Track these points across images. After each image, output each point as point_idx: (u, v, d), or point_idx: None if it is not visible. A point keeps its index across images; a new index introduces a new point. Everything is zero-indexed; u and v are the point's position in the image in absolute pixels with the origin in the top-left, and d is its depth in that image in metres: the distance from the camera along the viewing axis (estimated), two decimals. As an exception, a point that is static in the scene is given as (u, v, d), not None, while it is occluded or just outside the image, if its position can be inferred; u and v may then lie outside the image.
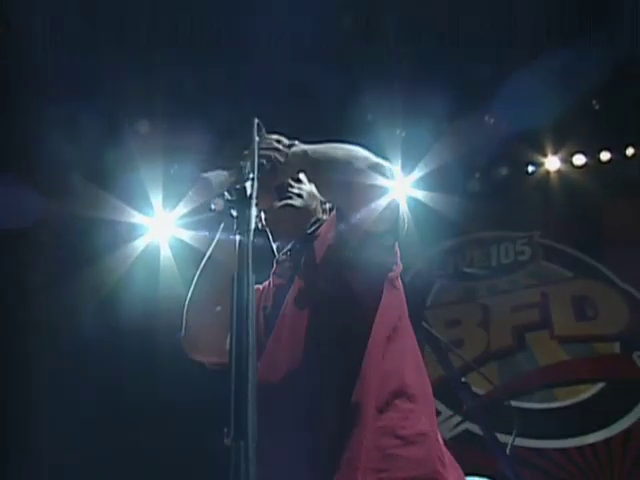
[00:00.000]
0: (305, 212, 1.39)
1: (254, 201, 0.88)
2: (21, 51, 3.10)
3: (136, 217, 4.52)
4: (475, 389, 4.26)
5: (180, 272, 4.74)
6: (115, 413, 3.89)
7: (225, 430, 0.73)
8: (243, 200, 0.89)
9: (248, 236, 0.85)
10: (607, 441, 3.72)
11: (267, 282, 1.43)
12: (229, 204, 0.90)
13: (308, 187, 1.41)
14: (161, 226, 4.73)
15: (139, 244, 4.70)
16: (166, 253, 4.88)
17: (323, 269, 1.22)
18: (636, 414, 3.77)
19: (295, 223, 1.37)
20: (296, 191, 1.37)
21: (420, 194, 4.75)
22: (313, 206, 1.41)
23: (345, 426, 1.06)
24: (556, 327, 4.29)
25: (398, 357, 1.19)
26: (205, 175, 0.87)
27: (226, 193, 0.90)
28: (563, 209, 4.64)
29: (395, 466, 1.03)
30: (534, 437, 3.86)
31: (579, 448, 3.76)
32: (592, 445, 3.74)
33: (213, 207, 0.88)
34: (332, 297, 1.16)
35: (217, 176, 0.88)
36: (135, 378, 4.08)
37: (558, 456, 3.80)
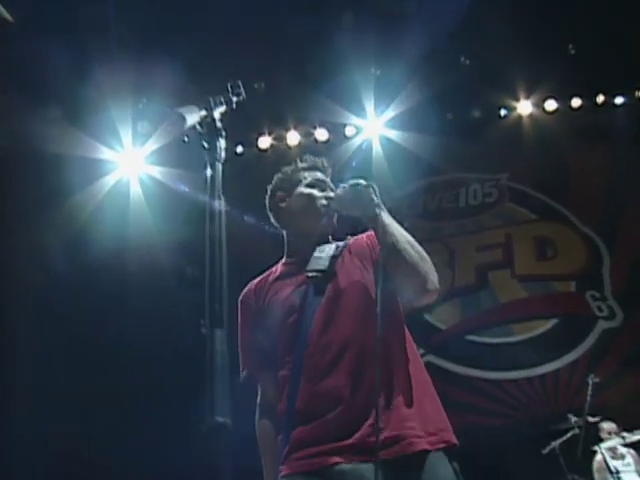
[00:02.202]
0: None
1: (223, 132, 0.93)
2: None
3: (105, 153, 4.45)
4: (437, 324, 4.46)
5: (150, 207, 4.73)
6: (85, 349, 3.93)
7: (201, 321, 0.79)
8: (213, 132, 0.94)
9: (217, 166, 0.91)
10: (555, 372, 3.99)
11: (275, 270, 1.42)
12: (200, 137, 0.94)
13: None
14: (131, 162, 4.67)
15: (109, 180, 4.64)
16: (136, 189, 4.85)
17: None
18: (584, 347, 4.03)
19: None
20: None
21: (393, 134, 4.77)
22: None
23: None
24: (517, 266, 4.48)
25: None
26: (178, 110, 0.90)
27: (197, 126, 0.94)
28: (532, 153, 4.73)
29: None
30: (493, 369, 4.10)
31: (529, 379, 4.02)
32: (541, 376, 4.00)
33: (186, 139, 0.92)
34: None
35: (189, 110, 0.91)
36: (105, 314, 4.12)
37: (511, 386, 4.05)
